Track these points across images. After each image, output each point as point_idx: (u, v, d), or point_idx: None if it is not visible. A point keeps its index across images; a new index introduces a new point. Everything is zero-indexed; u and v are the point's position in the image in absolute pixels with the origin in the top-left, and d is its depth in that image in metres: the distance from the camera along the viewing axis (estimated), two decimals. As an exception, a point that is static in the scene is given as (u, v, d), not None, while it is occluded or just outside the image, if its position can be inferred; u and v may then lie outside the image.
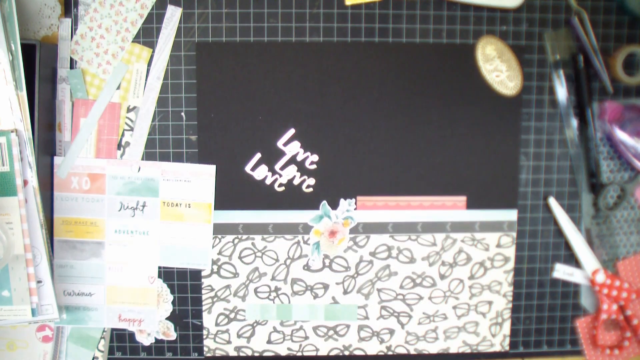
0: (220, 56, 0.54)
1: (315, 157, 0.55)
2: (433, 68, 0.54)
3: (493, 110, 0.55)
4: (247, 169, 0.55)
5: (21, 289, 0.49)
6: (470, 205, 0.57)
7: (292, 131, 0.55)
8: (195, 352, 0.58)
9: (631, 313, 0.57)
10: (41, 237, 0.50)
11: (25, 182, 0.49)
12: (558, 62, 0.55)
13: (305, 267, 0.57)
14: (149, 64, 0.54)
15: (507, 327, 0.60)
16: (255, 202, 0.56)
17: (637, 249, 0.59)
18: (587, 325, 0.59)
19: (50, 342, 0.57)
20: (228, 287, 0.57)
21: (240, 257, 0.57)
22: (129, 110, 0.55)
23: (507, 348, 0.60)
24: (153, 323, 0.57)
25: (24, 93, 0.48)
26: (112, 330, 0.58)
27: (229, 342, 0.58)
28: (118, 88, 0.54)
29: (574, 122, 0.56)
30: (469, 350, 0.60)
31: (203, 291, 0.57)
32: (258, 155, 0.55)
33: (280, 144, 0.55)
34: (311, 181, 0.56)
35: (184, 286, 0.57)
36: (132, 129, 0.55)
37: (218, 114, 0.55)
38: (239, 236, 0.56)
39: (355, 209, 0.56)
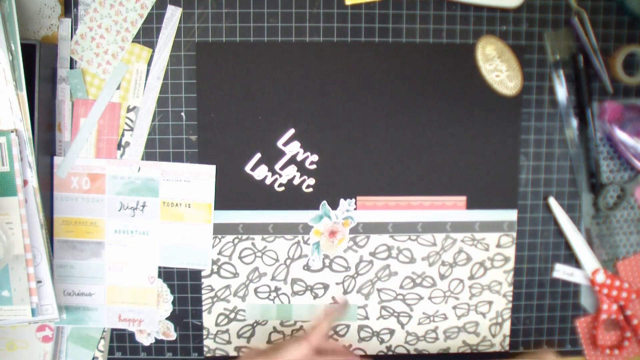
0: (220, 56, 0.54)
1: (315, 157, 0.55)
2: (433, 68, 0.54)
3: (493, 110, 0.55)
4: (247, 169, 0.55)
5: (21, 289, 0.49)
6: (470, 205, 0.57)
7: (292, 131, 0.55)
8: (195, 352, 0.58)
9: (631, 313, 0.57)
10: (41, 237, 0.50)
11: (25, 182, 0.49)
12: (558, 62, 0.55)
13: (305, 267, 0.57)
14: (149, 64, 0.54)
15: (507, 327, 0.60)
16: (255, 202, 0.56)
17: (637, 249, 0.59)
18: (587, 325, 0.59)
19: (50, 342, 0.57)
20: (228, 287, 0.57)
21: (240, 257, 0.57)
22: (129, 110, 0.55)
23: (507, 348, 0.60)
24: (153, 323, 0.57)
25: (24, 93, 0.48)
26: (112, 330, 0.58)
27: (229, 342, 0.58)
28: (118, 88, 0.54)
29: (574, 122, 0.56)
30: (469, 350, 0.60)
31: (203, 291, 0.57)
32: (258, 155, 0.55)
33: (280, 144, 0.55)
34: (311, 181, 0.56)
35: (184, 286, 0.57)
36: (132, 129, 0.55)
37: (218, 114, 0.55)
38: (239, 236, 0.56)
39: (355, 209, 0.56)
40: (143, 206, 0.55)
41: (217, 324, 0.58)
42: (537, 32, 0.55)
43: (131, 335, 0.58)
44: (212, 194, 0.55)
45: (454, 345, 0.60)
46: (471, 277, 0.58)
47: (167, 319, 0.57)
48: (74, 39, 0.53)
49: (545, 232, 0.58)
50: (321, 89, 0.54)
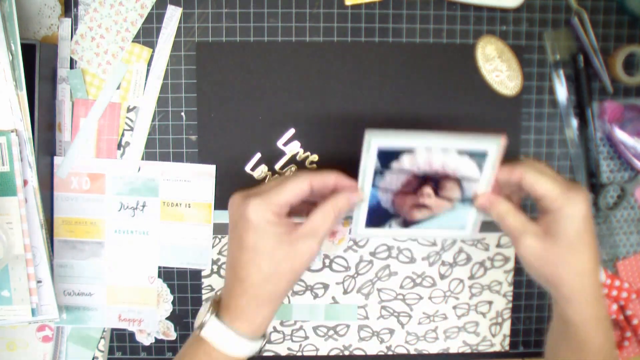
0: (220, 56, 0.54)
1: (315, 157, 0.55)
2: (433, 68, 0.54)
3: (493, 110, 0.55)
4: (247, 169, 0.55)
5: (21, 289, 0.49)
6: (470, 205, 0.57)
7: (292, 131, 0.55)
8: (195, 352, 0.58)
9: (631, 313, 0.57)
10: (41, 237, 0.50)
11: (25, 182, 0.49)
12: (558, 62, 0.55)
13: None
14: (149, 64, 0.54)
15: (507, 327, 0.60)
16: (255, 202, 0.55)
17: (637, 249, 0.59)
18: (587, 325, 0.59)
19: (50, 342, 0.57)
20: (228, 287, 0.57)
21: (240, 257, 0.57)
22: (129, 110, 0.55)
23: (507, 348, 0.60)
24: (153, 323, 0.57)
25: (24, 93, 0.48)
26: (112, 330, 0.58)
27: (229, 342, 0.58)
28: (118, 88, 0.54)
29: (574, 122, 0.56)
30: (469, 350, 0.60)
31: (203, 291, 0.57)
32: (258, 155, 0.55)
33: (280, 144, 0.55)
34: (311, 181, 0.56)
35: (184, 286, 0.57)
36: (132, 129, 0.55)
37: (218, 114, 0.55)
38: (239, 236, 0.56)
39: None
40: (143, 206, 0.55)
41: (217, 324, 0.58)
42: (537, 32, 0.55)
43: (131, 335, 0.58)
44: (212, 194, 0.55)
45: (454, 345, 0.60)
46: (471, 277, 0.58)
47: (167, 318, 0.57)
48: (74, 39, 0.53)
49: (545, 232, 0.58)
50: (321, 89, 0.54)
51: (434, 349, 0.60)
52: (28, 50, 0.49)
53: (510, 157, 0.56)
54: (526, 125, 0.56)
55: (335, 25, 0.54)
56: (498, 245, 0.58)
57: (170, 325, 0.58)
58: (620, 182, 0.57)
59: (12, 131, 0.48)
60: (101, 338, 0.57)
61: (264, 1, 0.53)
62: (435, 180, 0.47)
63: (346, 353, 0.59)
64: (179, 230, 0.56)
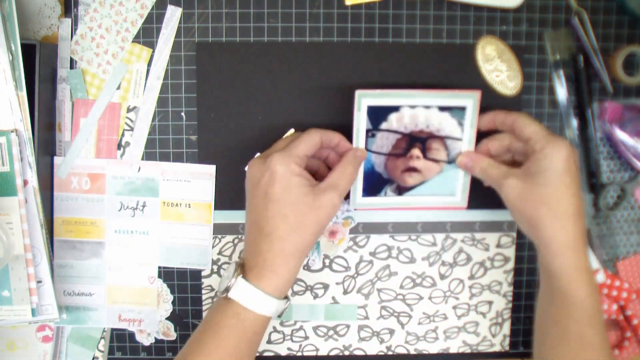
0: (220, 56, 0.54)
1: (315, 157, 0.55)
2: (433, 68, 0.54)
3: (493, 110, 0.54)
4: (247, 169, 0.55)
5: (21, 289, 0.49)
6: (470, 205, 0.57)
7: (291, 131, 0.55)
8: (195, 352, 0.58)
9: (631, 313, 0.57)
10: (41, 237, 0.50)
11: (25, 182, 0.49)
12: (558, 62, 0.55)
13: (305, 267, 0.57)
14: (149, 64, 0.54)
15: (507, 327, 0.60)
16: (255, 202, 0.56)
17: (637, 249, 0.59)
18: (587, 325, 0.59)
19: (50, 342, 0.57)
20: (228, 287, 0.57)
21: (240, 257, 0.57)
22: (129, 110, 0.55)
23: (507, 348, 0.60)
24: (153, 323, 0.57)
25: (24, 93, 0.48)
26: (112, 330, 0.58)
27: (229, 342, 0.58)
28: (118, 88, 0.54)
29: (574, 122, 0.56)
30: (469, 350, 0.60)
31: (203, 291, 0.57)
32: (258, 155, 0.55)
33: (280, 144, 0.55)
34: (311, 181, 0.56)
35: (184, 286, 0.57)
36: (132, 129, 0.55)
37: (218, 114, 0.55)
38: (239, 236, 0.56)
39: (355, 209, 0.56)
40: (143, 206, 0.55)
41: (217, 324, 0.58)
42: (537, 32, 0.55)
43: (131, 335, 0.58)
44: (212, 194, 0.55)
45: (454, 345, 0.60)
46: (471, 277, 0.58)
47: (167, 319, 0.57)
48: (74, 39, 0.53)
49: (545, 232, 0.58)
50: (321, 89, 0.54)
51: (434, 349, 0.60)
52: (28, 50, 0.49)
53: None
54: (526, 125, 0.56)
55: (335, 25, 0.54)
56: (498, 245, 0.58)
57: (170, 325, 0.58)
58: (620, 182, 0.57)
59: (12, 131, 0.48)
60: (101, 338, 0.57)
61: (264, 1, 0.53)
62: (422, 142, 0.51)
63: (346, 353, 0.59)
64: (179, 230, 0.56)
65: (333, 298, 0.58)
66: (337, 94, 0.54)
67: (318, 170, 0.51)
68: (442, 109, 0.51)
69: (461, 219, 0.57)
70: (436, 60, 0.54)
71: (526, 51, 0.55)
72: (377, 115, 0.50)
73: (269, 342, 0.58)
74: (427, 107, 0.50)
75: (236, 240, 0.57)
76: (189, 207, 0.55)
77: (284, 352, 0.59)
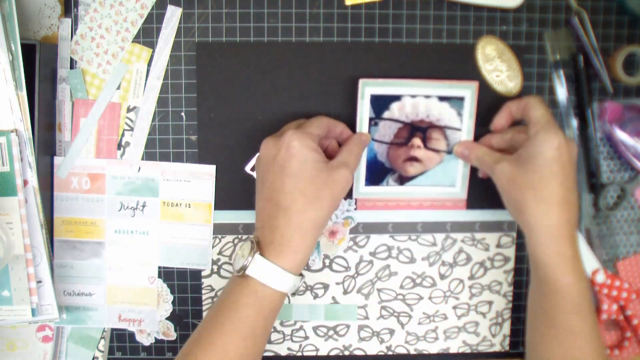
0: (220, 56, 0.54)
1: (315, 157, 0.55)
2: (433, 68, 0.54)
3: (493, 110, 0.54)
4: (247, 169, 0.55)
5: (21, 289, 0.49)
6: (470, 205, 0.57)
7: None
8: (195, 352, 0.58)
9: (631, 313, 0.57)
10: (41, 237, 0.50)
11: (25, 182, 0.49)
12: (558, 62, 0.55)
13: (305, 267, 0.57)
14: (149, 64, 0.54)
15: (507, 327, 0.60)
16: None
17: (637, 249, 0.59)
18: (587, 325, 0.59)
19: (50, 342, 0.57)
20: (228, 287, 0.57)
21: (240, 257, 0.57)
22: (129, 110, 0.55)
23: (507, 348, 0.60)
24: (153, 323, 0.57)
25: (24, 93, 0.48)
26: (112, 330, 0.58)
27: (229, 342, 0.58)
28: (118, 88, 0.54)
29: (574, 122, 0.56)
30: (469, 350, 0.60)
31: (203, 291, 0.57)
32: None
33: (280, 144, 0.55)
34: (311, 181, 0.56)
35: (184, 286, 0.57)
36: (132, 129, 0.55)
37: (218, 114, 0.55)
38: (239, 236, 0.56)
39: (355, 209, 0.56)
40: (143, 206, 0.55)
41: (217, 324, 0.58)
42: (537, 32, 0.55)
43: (131, 335, 0.58)
44: (212, 194, 0.55)
45: (454, 345, 0.60)
46: (471, 277, 0.58)
47: (167, 319, 0.57)
48: (74, 39, 0.53)
49: (545, 232, 0.58)
50: (321, 89, 0.54)
51: (434, 349, 0.60)
52: (28, 50, 0.49)
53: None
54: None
55: (335, 25, 0.54)
56: (498, 245, 0.58)
57: (170, 325, 0.58)
58: (620, 182, 0.57)
59: (12, 131, 0.48)
60: (101, 338, 0.57)
61: (264, 1, 0.53)
62: (423, 131, 0.54)
63: (346, 353, 0.59)
64: (179, 230, 0.56)
65: (333, 298, 0.58)
66: (337, 94, 0.54)
67: (325, 151, 0.52)
68: (442, 98, 0.53)
69: (461, 219, 0.57)
70: (436, 61, 0.54)
71: (526, 51, 0.55)
72: (380, 104, 0.53)
73: (269, 342, 0.58)
74: (427, 96, 0.52)
75: (236, 240, 0.57)
76: (189, 207, 0.55)
77: (284, 352, 0.59)
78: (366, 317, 0.58)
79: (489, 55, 0.55)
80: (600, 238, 0.58)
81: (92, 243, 0.56)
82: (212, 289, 0.57)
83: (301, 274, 0.47)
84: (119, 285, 0.56)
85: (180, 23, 0.54)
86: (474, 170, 0.56)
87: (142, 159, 0.55)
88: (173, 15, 0.53)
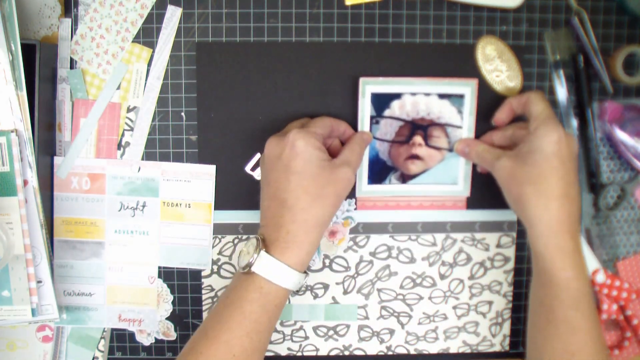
0: (220, 56, 0.54)
1: (315, 157, 0.55)
2: (433, 68, 0.54)
3: (493, 109, 0.54)
4: (247, 169, 0.55)
5: (21, 289, 0.49)
6: (470, 205, 0.57)
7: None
8: (195, 352, 0.58)
9: (631, 313, 0.57)
10: (41, 237, 0.50)
11: (25, 182, 0.49)
12: (558, 62, 0.55)
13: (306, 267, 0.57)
14: (149, 64, 0.54)
15: (507, 327, 0.60)
16: (255, 202, 0.55)
17: (637, 249, 0.59)
18: (587, 325, 0.59)
19: (50, 342, 0.57)
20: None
21: (240, 257, 0.57)
22: (129, 110, 0.55)
23: (507, 348, 0.60)
24: (153, 323, 0.57)
25: (24, 93, 0.48)
26: (112, 330, 0.58)
27: (229, 342, 0.58)
28: (118, 88, 0.54)
29: (574, 122, 0.56)
30: (469, 350, 0.60)
31: (203, 291, 0.57)
32: (258, 155, 0.55)
33: (280, 144, 0.55)
34: (311, 181, 0.56)
35: (184, 286, 0.57)
36: (132, 129, 0.55)
37: (218, 114, 0.55)
38: (239, 236, 0.56)
39: (355, 209, 0.56)
40: (143, 206, 0.55)
41: (217, 324, 0.58)
42: (537, 32, 0.55)
43: (131, 335, 0.58)
44: (212, 194, 0.55)
45: (454, 345, 0.60)
46: (471, 277, 0.58)
47: (167, 319, 0.57)
48: (74, 39, 0.53)
49: (545, 232, 0.58)
50: (321, 89, 0.54)
51: (434, 349, 0.60)
52: (28, 50, 0.49)
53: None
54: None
55: (335, 25, 0.54)
56: (498, 245, 0.58)
57: (170, 325, 0.58)
58: (620, 182, 0.57)
59: (12, 131, 0.48)
60: (101, 338, 0.57)
61: (264, 1, 0.53)
62: (424, 129, 0.54)
63: (346, 353, 0.59)
64: (179, 230, 0.56)
65: (333, 298, 0.58)
66: (337, 94, 0.54)
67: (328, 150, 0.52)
68: (442, 96, 0.53)
69: (461, 219, 0.57)
70: (436, 61, 0.54)
71: (526, 51, 0.55)
72: (380, 102, 0.53)
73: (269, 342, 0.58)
74: (427, 94, 0.53)
75: (236, 240, 0.57)
76: (189, 207, 0.55)
77: (284, 352, 0.59)
78: (366, 317, 0.58)
79: (489, 55, 0.55)
80: (600, 238, 0.58)
81: (92, 243, 0.56)
82: (212, 289, 0.57)
83: (306, 272, 0.47)
84: (119, 285, 0.56)
85: (180, 23, 0.54)
86: (474, 167, 0.56)
87: (142, 159, 0.55)
88: (173, 15, 0.53)
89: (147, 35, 0.54)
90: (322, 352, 0.59)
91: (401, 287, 0.58)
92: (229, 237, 0.56)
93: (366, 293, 0.58)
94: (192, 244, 0.56)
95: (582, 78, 0.55)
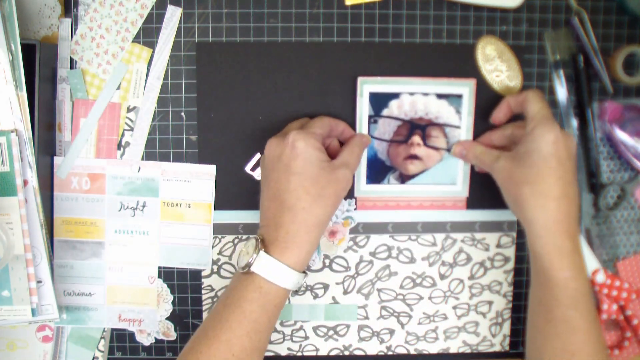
0: (220, 56, 0.54)
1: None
2: (433, 68, 0.54)
3: (493, 109, 0.54)
4: (247, 169, 0.55)
5: (21, 289, 0.49)
6: (470, 205, 0.57)
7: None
8: (195, 352, 0.58)
9: (631, 313, 0.57)
10: (41, 237, 0.50)
11: (25, 182, 0.49)
12: (558, 62, 0.55)
13: (306, 267, 0.57)
14: (149, 64, 0.54)
15: (507, 327, 0.60)
16: (255, 202, 0.55)
17: (637, 249, 0.59)
18: (587, 325, 0.59)
19: (50, 342, 0.57)
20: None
21: (240, 257, 0.57)
22: (129, 110, 0.55)
23: (507, 348, 0.60)
24: (153, 323, 0.57)
25: (24, 93, 0.48)
26: (112, 330, 0.58)
27: (229, 342, 0.58)
28: (118, 88, 0.54)
29: (574, 122, 0.56)
30: (469, 350, 0.60)
31: (203, 291, 0.57)
32: (258, 155, 0.55)
33: (280, 144, 0.55)
34: (311, 181, 0.56)
35: (184, 286, 0.57)
36: (132, 129, 0.55)
37: (218, 114, 0.55)
38: (239, 236, 0.56)
39: (355, 209, 0.56)
40: (143, 206, 0.55)
41: (217, 324, 0.58)
42: (537, 32, 0.55)
43: (131, 335, 0.58)
44: (212, 194, 0.55)
45: (454, 345, 0.60)
46: (471, 277, 0.58)
47: (167, 319, 0.57)
48: (74, 39, 0.53)
49: (545, 232, 0.58)
50: (321, 89, 0.54)
51: (434, 349, 0.60)
52: (28, 50, 0.49)
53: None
54: (526, 125, 0.56)
55: (335, 25, 0.54)
56: (498, 245, 0.58)
57: (170, 325, 0.58)
58: (620, 182, 0.57)
59: (12, 131, 0.48)
60: (101, 338, 0.57)
61: (264, 1, 0.53)
62: (422, 129, 0.54)
63: (346, 353, 0.59)
64: (179, 230, 0.56)
65: (333, 298, 0.58)
66: (337, 93, 0.54)
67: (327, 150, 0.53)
68: (440, 96, 0.53)
69: (461, 219, 0.57)
70: (436, 61, 0.54)
71: (526, 51, 0.55)
72: (378, 102, 0.53)
73: (269, 342, 0.58)
74: (425, 94, 0.53)
75: (236, 240, 0.57)
76: (189, 207, 0.55)
77: (284, 352, 0.59)
78: (366, 317, 0.58)
79: (489, 55, 0.55)
80: (600, 238, 0.58)
81: (92, 243, 0.56)
82: (212, 289, 0.57)
83: (305, 272, 0.47)
84: (119, 285, 0.56)
85: (180, 23, 0.54)
86: (472, 166, 0.56)
87: (142, 159, 0.55)
88: (173, 15, 0.53)
89: (147, 35, 0.54)
90: (322, 352, 0.59)
91: (401, 287, 0.58)
92: (229, 237, 0.56)
93: (366, 293, 0.58)
94: (192, 244, 0.56)
95: (582, 78, 0.55)
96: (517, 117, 0.53)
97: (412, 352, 0.59)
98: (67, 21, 0.53)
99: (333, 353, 0.59)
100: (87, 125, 0.54)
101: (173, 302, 0.57)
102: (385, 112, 0.54)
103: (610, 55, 0.55)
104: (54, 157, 0.55)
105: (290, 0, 0.54)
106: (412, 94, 0.53)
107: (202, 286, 0.57)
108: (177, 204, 0.55)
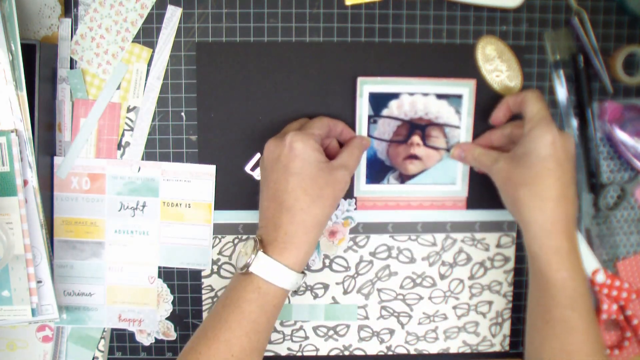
0: (220, 56, 0.54)
1: (315, 157, 0.55)
2: (433, 68, 0.54)
3: (492, 109, 0.54)
4: (247, 169, 0.55)
5: (21, 289, 0.49)
6: (470, 205, 0.57)
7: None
8: (195, 352, 0.58)
9: (631, 313, 0.57)
10: (41, 237, 0.50)
11: (25, 182, 0.49)
12: (558, 62, 0.55)
13: (305, 267, 0.57)
14: (149, 64, 0.54)
15: (507, 327, 0.60)
16: (255, 202, 0.55)
17: (637, 249, 0.59)
18: (587, 325, 0.59)
19: (50, 342, 0.57)
20: (228, 287, 0.57)
21: (240, 257, 0.57)
22: (129, 110, 0.55)
23: (507, 348, 0.60)
24: (153, 323, 0.57)
25: (24, 93, 0.48)
26: (112, 330, 0.58)
27: (229, 342, 0.58)
28: (118, 88, 0.54)
29: (574, 122, 0.56)
30: (469, 350, 0.60)
31: (203, 291, 0.57)
32: (258, 156, 0.55)
33: (280, 144, 0.55)
34: (311, 181, 0.56)
35: (184, 286, 0.57)
36: (132, 129, 0.55)
37: (218, 114, 0.55)
38: (239, 236, 0.56)
39: (355, 209, 0.56)
40: (143, 206, 0.55)
41: (217, 324, 0.58)
42: (537, 32, 0.55)
43: (131, 335, 0.58)
44: (212, 194, 0.55)
45: (454, 345, 0.60)
46: (471, 277, 0.58)
47: (167, 319, 0.57)
48: (74, 39, 0.53)
49: (545, 232, 0.58)
50: (321, 89, 0.54)
51: (434, 349, 0.60)
52: (28, 50, 0.49)
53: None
54: (526, 125, 0.56)
55: (335, 25, 0.54)
56: (498, 245, 0.58)
57: (170, 325, 0.58)
58: (620, 182, 0.57)
59: (12, 131, 0.48)
60: (101, 338, 0.57)
61: (264, 1, 0.53)
62: (422, 129, 0.54)
63: (346, 353, 0.59)
64: (179, 230, 0.56)
65: (333, 298, 0.58)
66: (337, 93, 0.54)
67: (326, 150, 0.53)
68: (440, 96, 0.53)
69: (461, 219, 0.57)
70: (436, 61, 0.54)
71: (526, 51, 0.55)
72: (378, 102, 0.53)
73: (269, 342, 0.58)
74: (425, 94, 0.53)
75: (236, 241, 0.57)
76: (189, 207, 0.55)
77: (284, 352, 0.59)
78: (366, 317, 0.58)
79: (489, 55, 0.55)
80: (600, 238, 0.58)
81: (92, 243, 0.56)
82: (212, 289, 0.57)
83: (303, 272, 0.47)
84: (119, 285, 0.56)
85: (180, 23, 0.54)
86: (472, 168, 0.56)
87: (142, 159, 0.55)
88: (173, 15, 0.53)
89: (147, 35, 0.54)
90: (322, 352, 0.59)
91: (401, 287, 0.58)
92: (229, 237, 0.56)
93: (366, 293, 0.58)
94: (192, 244, 0.56)
95: (582, 78, 0.55)
96: (517, 117, 0.53)
97: (412, 352, 0.59)
98: (67, 21, 0.53)
99: (333, 353, 0.59)
100: (87, 125, 0.54)
101: (173, 302, 0.57)
102: (385, 112, 0.53)
103: (610, 55, 0.55)
104: (54, 157, 0.55)
105: (290, 0, 0.54)
106: (412, 94, 0.53)
107: (202, 286, 0.57)
108: (177, 204, 0.55)
